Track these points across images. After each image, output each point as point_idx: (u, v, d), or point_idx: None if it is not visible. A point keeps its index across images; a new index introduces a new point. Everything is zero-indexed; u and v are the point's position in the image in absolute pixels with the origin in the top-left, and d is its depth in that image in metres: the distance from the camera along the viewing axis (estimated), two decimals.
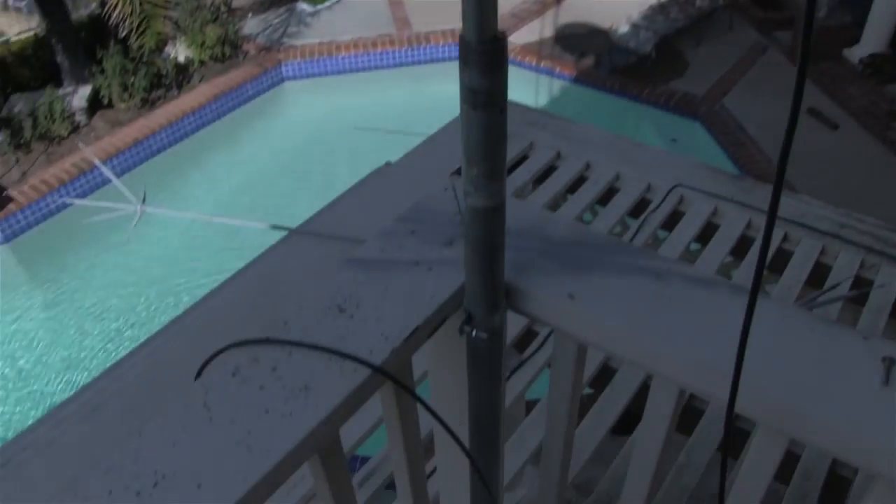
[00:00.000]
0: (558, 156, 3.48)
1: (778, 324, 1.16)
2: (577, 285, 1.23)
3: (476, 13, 0.90)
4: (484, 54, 0.92)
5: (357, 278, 1.25)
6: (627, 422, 2.63)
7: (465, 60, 0.93)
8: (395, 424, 1.35)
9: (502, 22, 8.06)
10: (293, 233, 3.11)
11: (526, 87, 8.73)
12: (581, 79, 8.67)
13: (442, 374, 1.40)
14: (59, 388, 5.93)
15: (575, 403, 1.48)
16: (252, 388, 1.11)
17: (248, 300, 2.75)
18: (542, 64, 8.96)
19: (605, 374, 2.73)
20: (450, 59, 9.31)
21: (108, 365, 2.77)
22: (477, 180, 1.01)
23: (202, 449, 1.03)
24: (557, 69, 8.84)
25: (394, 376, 1.12)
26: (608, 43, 8.88)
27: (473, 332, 1.21)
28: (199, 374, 1.16)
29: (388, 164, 3.46)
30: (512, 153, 3.46)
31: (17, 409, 5.84)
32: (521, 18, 9.63)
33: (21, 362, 6.15)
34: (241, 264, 2.83)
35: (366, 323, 1.17)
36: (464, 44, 0.93)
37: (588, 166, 3.43)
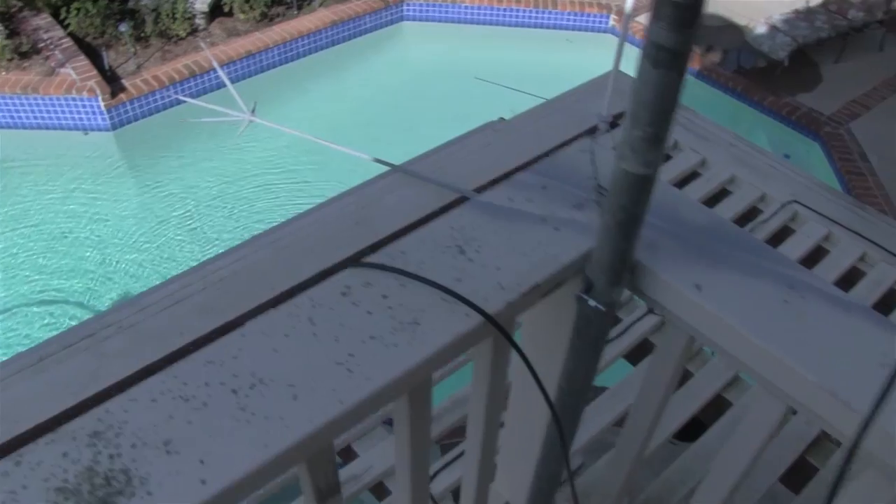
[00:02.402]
0: (675, 145, 3.36)
1: None
2: (706, 277, 1.17)
3: None
4: (680, 7, 0.85)
5: (481, 222, 1.21)
6: (691, 429, 2.56)
7: (657, 12, 0.87)
8: (484, 375, 1.31)
9: (637, 0, 7.72)
10: (395, 170, 3.07)
11: None
12: (703, 73, 8.35)
13: (543, 335, 1.36)
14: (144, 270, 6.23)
15: (667, 396, 1.43)
16: (361, 311, 1.09)
17: (343, 225, 2.74)
18: None
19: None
20: (574, 27, 9.10)
21: (193, 264, 2.83)
22: (637, 143, 0.96)
23: (303, 362, 1.02)
24: None
25: (504, 329, 1.08)
26: (740, 41, 8.49)
27: (590, 302, 1.16)
28: (307, 287, 1.14)
29: (501, 119, 3.40)
30: None
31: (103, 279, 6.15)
32: None
33: (108, 245, 6.40)
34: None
35: (485, 269, 1.14)
36: None
37: (704, 162, 3.30)
